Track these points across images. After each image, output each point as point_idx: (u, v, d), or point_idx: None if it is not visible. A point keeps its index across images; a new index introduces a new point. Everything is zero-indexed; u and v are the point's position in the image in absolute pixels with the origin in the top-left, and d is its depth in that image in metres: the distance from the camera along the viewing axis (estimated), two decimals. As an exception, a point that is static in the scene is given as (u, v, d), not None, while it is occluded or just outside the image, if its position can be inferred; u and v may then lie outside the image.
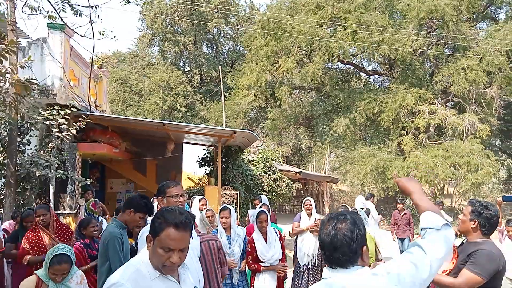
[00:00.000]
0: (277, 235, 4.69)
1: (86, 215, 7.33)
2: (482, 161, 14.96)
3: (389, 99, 16.72)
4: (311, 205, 5.98)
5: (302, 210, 6.16)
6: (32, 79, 4.53)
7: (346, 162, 18.46)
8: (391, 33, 16.15)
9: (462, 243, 2.96)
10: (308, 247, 5.63)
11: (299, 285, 5.61)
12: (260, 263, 4.41)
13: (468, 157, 14.79)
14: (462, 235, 2.99)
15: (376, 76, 22.32)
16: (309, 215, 5.94)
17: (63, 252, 3.02)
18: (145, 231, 3.06)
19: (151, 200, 6.30)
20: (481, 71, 15.25)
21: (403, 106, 16.21)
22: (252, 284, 4.43)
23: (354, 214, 1.69)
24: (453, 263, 2.87)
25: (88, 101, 6.88)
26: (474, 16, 19.06)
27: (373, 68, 22.09)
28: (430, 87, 17.23)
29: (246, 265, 4.51)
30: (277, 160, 15.62)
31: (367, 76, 22.81)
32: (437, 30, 17.39)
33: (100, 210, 6.57)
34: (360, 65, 21.38)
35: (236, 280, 4.37)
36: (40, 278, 3.03)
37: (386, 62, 19.58)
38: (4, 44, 5.06)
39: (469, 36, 16.60)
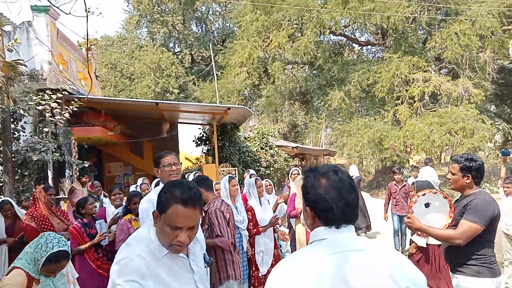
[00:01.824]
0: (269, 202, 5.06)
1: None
2: (478, 126, 15.02)
3: (382, 69, 16.61)
4: (298, 174, 6.07)
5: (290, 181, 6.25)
6: (20, 60, 4.44)
7: (343, 135, 18.51)
8: (382, 1, 15.92)
9: (457, 199, 3.03)
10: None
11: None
12: (258, 226, 4.58)
13: (463, 122, 14.84)
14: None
15: (369, 46, 22.13)
16: None
17: (61, 249, 2.57)
18: (144, 202, 3.04)
19: (142, 181, 6.31)
20: (474, 35, 15.12)
21: (397, 75, 16.12)
22: (253, 249, 4.52)
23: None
24: (450, 217, 2.94)
25: (90, 77, 6.73)
26: (466, -21, 18.78)
27: (365, 39, 21.87)
28: (423, 55, 17.11)
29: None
30: (273, 135, 15.62)
31: (360, 47, 22.60)
32: (429, -5, 17.17)
33: (97, 190, 6.56)
34: (353, 36, 21.14)
35: (245, 247, 4.46)
36: (29, 273, 2.55)
37: (379, 31, 19.38)
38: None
39: (461, 0, 16.39)
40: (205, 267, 1.92)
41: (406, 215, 7.70)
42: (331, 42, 21.50)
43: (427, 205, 3.06)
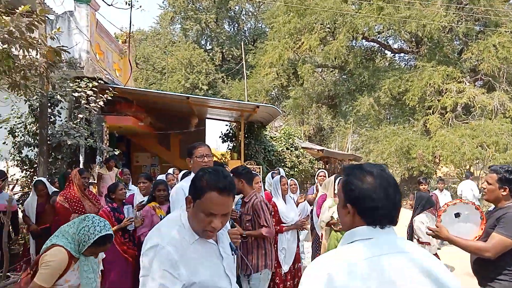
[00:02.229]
0: (294, 201, 5.05)
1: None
2: (511, 141, 14.54)
3: (415, 77, 16.28)
4: (325, 176, 6.04)
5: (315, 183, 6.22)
6: (63, 46, 4.63)
7: (370, 141, 18.26)
8: (419, 9, 15.60)
9: (489, 210, 2.94)
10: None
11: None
12: (282, 224, 4.54)
13: (497, 136, 14.37)
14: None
15: (402, 54, 21.71)
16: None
17: (108, 232, 2.63)
18: (175, 190, 3.13)
19: (172, 171, 6.43)
20: (513, 48, 14.65)
21: (430, 84, 15.77)
22: (275, 246, 4.54)
23: None
24: (482, 229, 2.86)
25: (129, 60, 6.88)
26: (508, -10, 18.17)
27: (398, 46, 21.47)
28: (458, 65, 16.66)
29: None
30: (299, 137, 15.57)
31: (392, 54, 22.22)
32: (467, 5, 16.70)
33: (126, 177, 6.70)
34: (386, 43, 20.81)
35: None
36: (71, 252, 2.58)
37: (413, 39, 18.99)
38: (32, 17, 5.14)
39: (502, 12, 15.87)
40: (232, 254, 1.93)
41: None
42: (363, 48, 21.22)
43: (457, 215, 2.99)
